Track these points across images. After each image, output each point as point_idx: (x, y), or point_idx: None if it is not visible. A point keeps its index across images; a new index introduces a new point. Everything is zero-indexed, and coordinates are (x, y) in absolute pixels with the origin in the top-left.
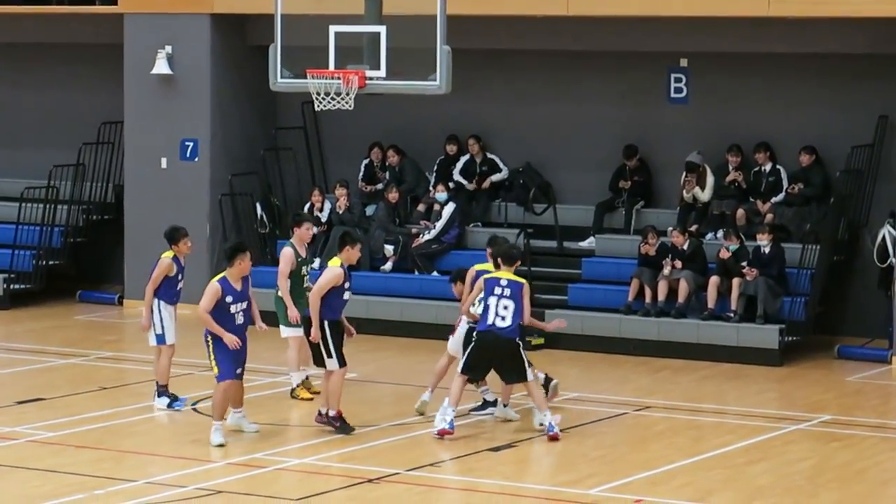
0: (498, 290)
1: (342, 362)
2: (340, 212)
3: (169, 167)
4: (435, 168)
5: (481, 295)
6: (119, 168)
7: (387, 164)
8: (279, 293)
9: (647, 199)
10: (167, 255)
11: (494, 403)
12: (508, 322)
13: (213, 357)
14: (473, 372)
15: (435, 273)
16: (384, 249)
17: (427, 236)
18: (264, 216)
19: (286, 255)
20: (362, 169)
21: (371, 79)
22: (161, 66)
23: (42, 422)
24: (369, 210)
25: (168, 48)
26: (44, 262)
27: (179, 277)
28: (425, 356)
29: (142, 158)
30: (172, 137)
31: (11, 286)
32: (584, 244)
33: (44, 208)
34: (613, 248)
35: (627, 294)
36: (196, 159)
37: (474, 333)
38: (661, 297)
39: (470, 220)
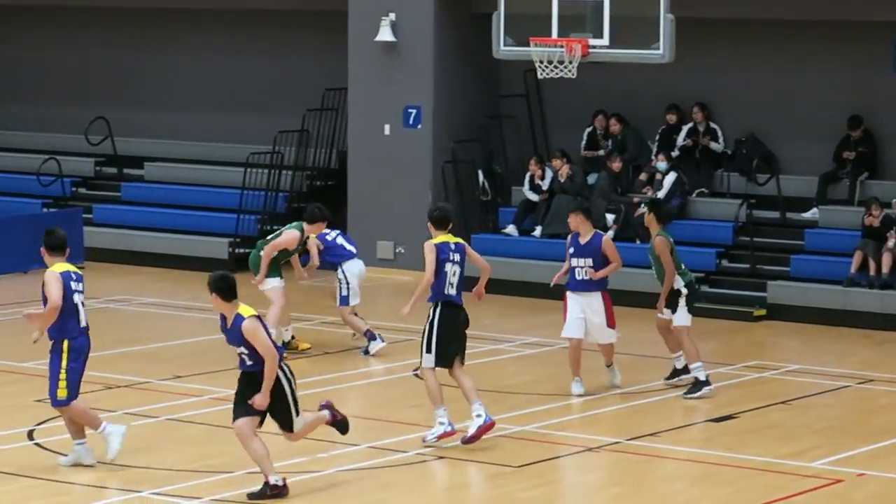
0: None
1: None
2: (562, 180)
3: (392, 134)
4: (657, 137)
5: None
6: (343, 134)
7: (609, 132)
8: (260, 252)
9: (872, 171)
10: (296, 229)
11: (686, 370)
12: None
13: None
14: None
15: None
16: (605, 218)
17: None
18: (486, 184)
19: (293, 235)
20: (584, 137)
21: (594, 47)
22: (385, 34)
23: None
24: (591, 179)
25: (392, 15)
26: (268, 227)
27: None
28: (643, 325)
29: (365, 125)
30: (396, 104)
31: (236, 250)
32: (807, 215)
33: (268, 174)
34: (837, 220)
35: (850, 266)
36: (419, 126)
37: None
38: (886, 269)
39: (693, 189)
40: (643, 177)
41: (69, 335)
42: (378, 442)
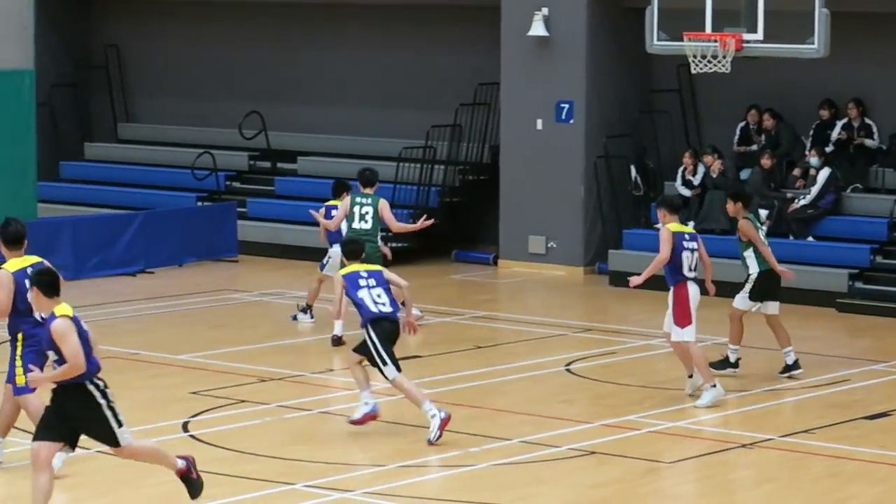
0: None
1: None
2: (714, 176)
3: (544, 128)
4: (811, 132)
5: None
6: (495, 129)
7: (762, 127)
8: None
9: None
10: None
11: (736, 364)
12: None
13: None
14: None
15: (810, 238)
16: (758, 214)
17: (802, 201)
18: (638, 179)
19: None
20: (737, 132)
21: (748, 42)
22: (538, 28)
23: (418, 378)
24: (744, 174)
25: (545, 10)
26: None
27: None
28: (798, 321)
29: (517, 119)
30: (548, 99)
31: (389, 244)
32: None
33: (421, 168)
34: None
35: None
36: (571, 121)
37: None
38: None
39: (847, 184)
40: (796, 172)
41: (22, 329)
42: (529, 437)
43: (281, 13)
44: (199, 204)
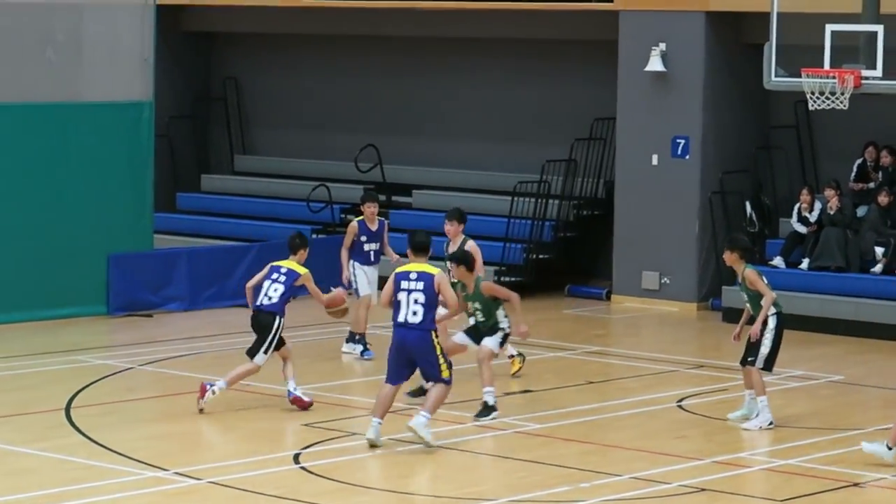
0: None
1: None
2: (831, 212)
3: (660, 164)
4: None
5: None
6: (610, 164)
7: (880, 164)
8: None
9: None
10: (355, 219)
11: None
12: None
13: None
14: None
15: None
16: (874, 252)
17: None
18: (753, 215)
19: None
20: (854, 169)
21: (867, 78)
22: (655, 63)
23: (530, 413)
24: (860, 211)
25: (662, 45)
26: (534, 256)
27: (363, 239)
28: None
29: (633, 155)
30: (664, 134)
31: (503, 278)
32: None
33: (535, 202)
34: None
35: None
36: (687, 157)
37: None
38: None
39: None
40: None
41: None
42: (641, 473)
43: (396, 47)
44: (315, 236)
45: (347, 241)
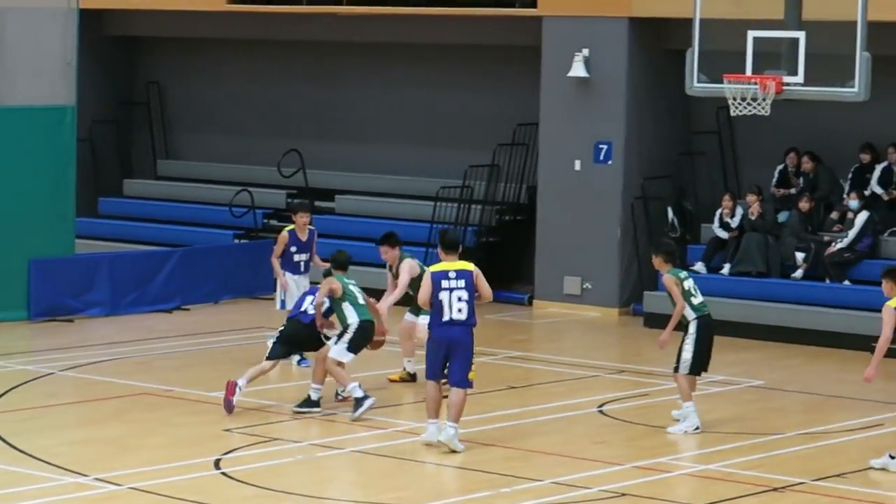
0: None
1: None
2: (753, 218)
3: (582, 169)
4: (849, 176)
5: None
6: (533, 169)
7: (801, 170)
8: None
9: None
10: (286, 228)
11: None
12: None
13: None
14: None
15: (847, 282)
16: (795, 257)
17: (840, 245)
18: (675, 221)
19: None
20: (776, 174)
21: (788, 84)
22: (578, 69)
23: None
24: (781, 216)
25: (585, 51)
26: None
27: (293, 250)
28: (834, 365)
29: (556, 160)
30: (587, 140)
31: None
32: None
33: (458, 208)
34: None
35: None
36: (609, 162)
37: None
38: None
39: (884, 228)
40: (834, 215)
41: None
42: (562, 478)
43: (321, 52)
44: (237, 241)
45: (278, 250)
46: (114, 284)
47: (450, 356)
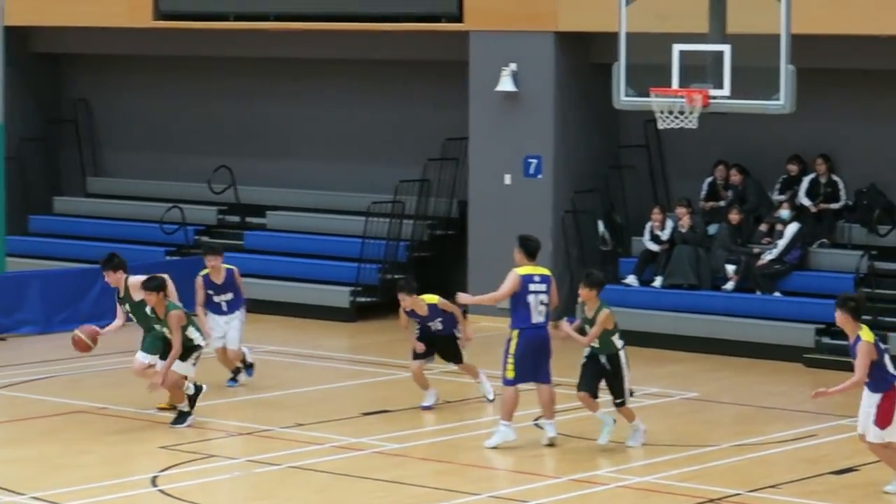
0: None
1: None
2: (683, 230)
3: (512, 183)
4: (777, 187)
5: None
6: (463, 184)
7: (729, 182)
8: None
9: None
10: (199, 274)
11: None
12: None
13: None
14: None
15: (777, 294)
16: (725, 269)
17: (769, 256)
18: (606, 234)
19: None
20: (705, 187)
21: (715, 98)
22: (505, 84)
23: (386, 433)
24: (711, 229)
25: (512, 65)
26: (389, 276)
27: (210, 293)
28: (766, 376)
29: (485, 174)
30: (516, 154)
31: (357, 299)
32: None
33: (389, 223)
34: None
35: None
36: (539, 176)
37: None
38: None
39: (813, 240)
40: (763, 227)
41: None
42: (499, 491)
43: (249, 68)
44: (168, 258)
45: (199, 297)
46: (45, 302)
47: (538, 357)
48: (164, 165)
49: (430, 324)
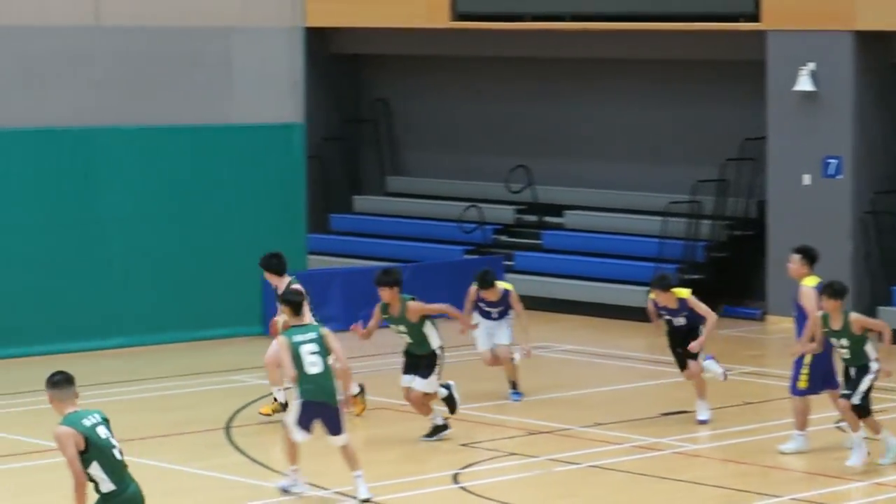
0: None
1: None
2: None
3: (812, 184)
4: None
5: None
6: (761, 184)
7: None
8: None
9: None
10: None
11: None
12: None
13: None
14: None
15: None
16: None
17: None
18: None
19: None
20: None
21: None
22: (804, 83)
23: (686, 434)
24: None
25: (811, 65)
26: (687, 276)
27: (481, 304)
28: None
29: (784, 175)
30: (815, 154)
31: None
32: None
33: (687, 223)
34: None
35: None
36: (839, 177)
37: None
38: None
39: None
40: None
41: None
42: (801, 494)
43: (544, 68)
44: (467, 257)
45: (467, 306)
46: (347, 300)
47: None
48: (461, 165)
49: (674, 318)
